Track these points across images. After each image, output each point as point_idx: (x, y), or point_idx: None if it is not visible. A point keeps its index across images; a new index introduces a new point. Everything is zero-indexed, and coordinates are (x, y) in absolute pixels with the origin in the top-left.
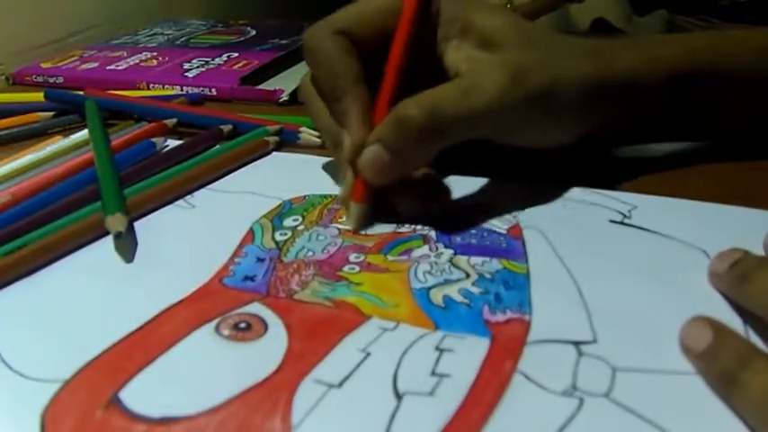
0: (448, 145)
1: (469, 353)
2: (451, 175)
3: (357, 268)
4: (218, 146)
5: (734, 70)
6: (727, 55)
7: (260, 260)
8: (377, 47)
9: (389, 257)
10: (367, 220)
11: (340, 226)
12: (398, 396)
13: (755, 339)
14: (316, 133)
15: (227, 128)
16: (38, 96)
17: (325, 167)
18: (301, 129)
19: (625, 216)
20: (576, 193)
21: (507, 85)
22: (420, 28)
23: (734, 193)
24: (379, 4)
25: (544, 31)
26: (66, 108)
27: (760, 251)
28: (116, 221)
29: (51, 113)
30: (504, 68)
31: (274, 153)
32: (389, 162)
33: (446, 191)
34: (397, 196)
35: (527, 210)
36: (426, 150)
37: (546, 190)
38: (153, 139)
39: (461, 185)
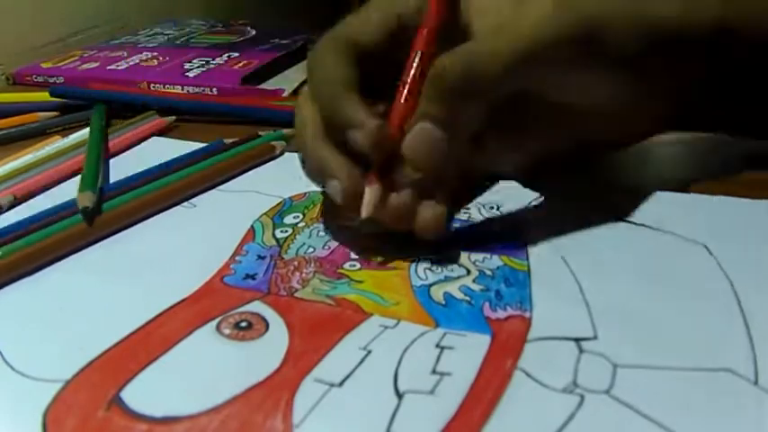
0: (496, 97)
1: (470, 350)
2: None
3: (358, 265)
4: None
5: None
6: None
7: (261, 258)
8: (381, 54)
9: (390, 256)
10: (374, 240)
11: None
12: (399, 395)
13: (756, 338)
14: None
15: (279, 144)
16: (38, 96)
17: None
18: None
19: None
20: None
21: (552, 10)
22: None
23: (733, 184)
24: (381, 11)
25: None
26: (70, 105)
27: (762, 242)
28: (85, 198)
29: (52, 113)
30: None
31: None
32: (440, 135)
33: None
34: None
35: (527, 206)
36: (473, 108)
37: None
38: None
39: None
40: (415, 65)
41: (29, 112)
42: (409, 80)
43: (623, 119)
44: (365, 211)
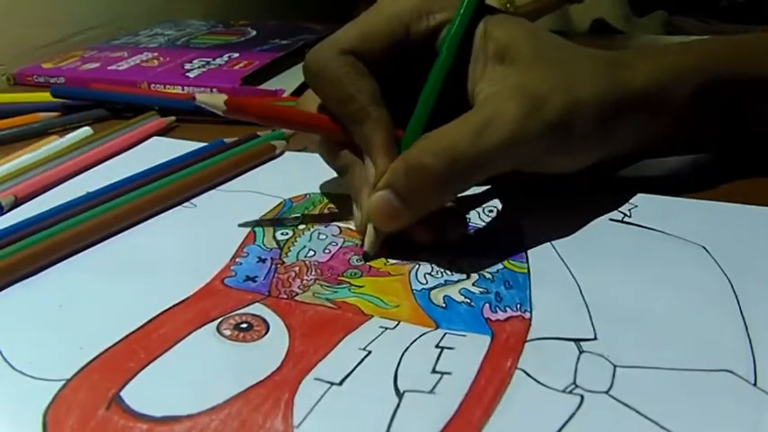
0: (467, 188)
1: (470, 350)
2: None
3: (359, 273)
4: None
5: (755, 74)
6: (745, 59)
7: (261, 260)
8: (387, 63)
9: (390, 261)
10: (381, 245)
11: (341, 224)
12: (399, 394)
13: (755, 339)
14: None
15: (280, 143)
16: (39, 96)
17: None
18: None
19: (625, 215)
20: (575, 191)
21: (521, 119)
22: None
23: (734, 191)
24: (383, 18)
25: (556, 44)
26: (71, 106)
27: (761, 248)
28: None
29: (53, 114)
30: (517, 100)
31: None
32: (401, 210)
33: (464, 221)
34: (414, 227)
35: (526, 209)
36: (442, 198)
37: (546, 189)
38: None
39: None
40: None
41: (30, 112)
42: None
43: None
44: (367, 248)
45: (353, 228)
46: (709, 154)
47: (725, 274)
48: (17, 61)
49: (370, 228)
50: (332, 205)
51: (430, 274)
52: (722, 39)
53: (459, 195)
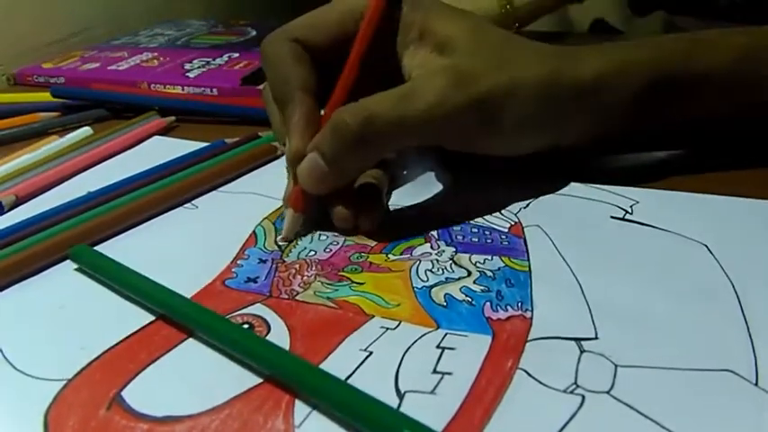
0: (386, 153)
1: (471, 351)
2: (453, 171)
3: (359, 268)
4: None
5: (707, 73)
6: (699, 57)
7: (262, 261)
8: (333, 53)
9: (391, 257)
10: (301, 228)
11: None
12: (400, 395)
13: (756, 339)
14: None
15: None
16: (39, 96)
17: None
18: None
19: (627, 212)
20: (577, 189)
21: (446, 90)
22: (382, 33)
23: (737, 185)
24: (336, 12)
25: (504, 36)
26: (71, 106)
27: (762, 244)
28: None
29: (53, 114)
30: (447, 73)
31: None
32: (326, 171)
33: (381, 206)
34: (332, 207)
35: (528, 207)
36: (362, 158)
37: (547, 186)
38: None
39: (463, 183)
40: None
41: (30, 112)
42: (343, 77)
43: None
44: (285, 233)
45: (278, 242)
46: (713, 148)
47: (725, 274)
48: (17, 61)
49: (288, 212)
50: None
51: (431, 270)
52: (680, 36)
53: (461, 193)
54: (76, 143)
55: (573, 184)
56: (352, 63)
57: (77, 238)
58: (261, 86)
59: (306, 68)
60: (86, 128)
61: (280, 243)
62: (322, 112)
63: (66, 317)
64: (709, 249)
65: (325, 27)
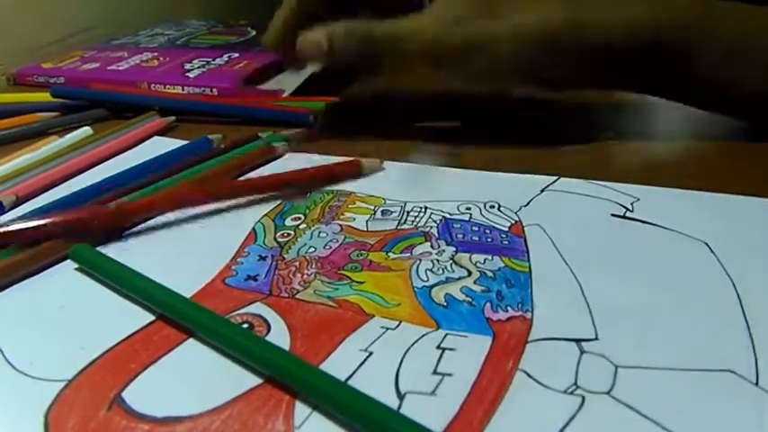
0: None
1: (471, 351)
2: (453, 168)
3: (359, 267)
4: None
5: (710, 40)
6: (706, 23)
7: (262, 258)
8: None
9: (391, 255)
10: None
11: (342, 222)
12: (400, 396)
13: (757, 339)
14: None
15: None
16: (39, 96)
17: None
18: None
19: (627, 209)
20: (578, 185)
21: (446, 29)
22: None
23: (739, 181)
24: None
25: None
26: (71, 106)
27: (764, 240)
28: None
29: (53, 114)
30: (449, 10)
31: None
32: (325, 52)
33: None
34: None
35: (529, 204)
36: (354, 59)
37: (548, 183)
38: (210, 136)
39: (464, 180)
40: None
41: (30, 112)
42: None
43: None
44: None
45: (354, 225)
46: (713, 142)
47: (726, 272)
48: (17, 61)
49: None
50: (333, 204)
51: (431, 270)
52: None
53: (461, 191)
54: (76, 143)
55: (574, 180)
56: None
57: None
58: (261, 86)
59: None
60: (86, 128)
61: (355, 226)
62: None
63: (67, 317)
64: (709, 247)
65: None
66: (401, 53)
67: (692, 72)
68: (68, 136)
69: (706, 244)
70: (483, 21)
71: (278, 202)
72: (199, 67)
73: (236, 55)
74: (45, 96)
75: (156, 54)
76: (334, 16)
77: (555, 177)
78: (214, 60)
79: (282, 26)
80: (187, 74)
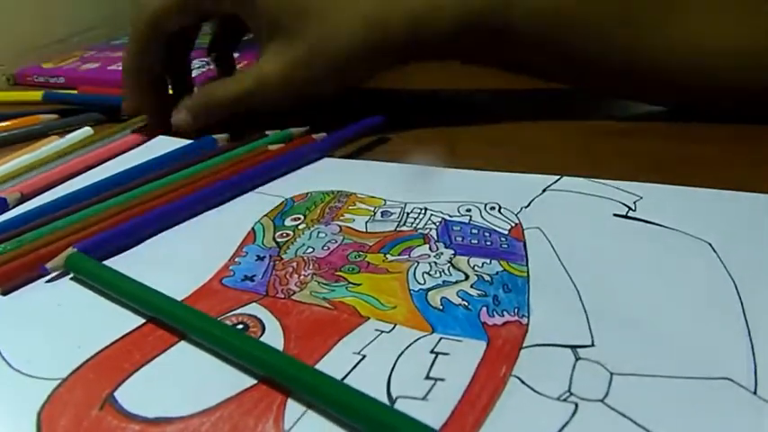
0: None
1: (465, 356)
2: (454, 169)
3: (356, 268)
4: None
5: (523, 24)
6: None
7: (260, 258)
8: (185, 25)
9: (389, 257)
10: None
11: (341, 223)
12: (392, 400)
13: (757, 347)
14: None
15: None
16: (39, 96)
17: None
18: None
19: (630, 208)
20: (579, 184)
21: (283, 77)
22: None
23: (742, 178)
24: None
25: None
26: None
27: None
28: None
29: (53, 116)
30: (282, 59)
31: None
32: (191, 123)
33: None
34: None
35: (530, 206)
36: (223, 120)
37: (549, 183)
38: (215, 136)
39: (464, 181)
40: None
41: (30, 114)
42: None
43: None
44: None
45: (354, 226)
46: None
47: (729, 274)
48: (17, 61)
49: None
50: (333, 204)
51: (428, 273)
52: None
53: (461, 192)
54: (78, 143)
55: (576, 179)
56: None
57: (77, 234)
58: None
59: (147, 54)
60: (87, 128)
61: (355, 228)
62: None
63: (64, 315)
64: (712, 248)
65: (173, 9)
66: (253, 108)
67: (506, 51)
68: (69, 136)
69: (709, 244)
70: (316, 57)
71: (279, 200)
72: (198, 68)
73: (236, 55)
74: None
75: None
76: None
77: (557, 177)
78: None
79: (133, 96)
80: None
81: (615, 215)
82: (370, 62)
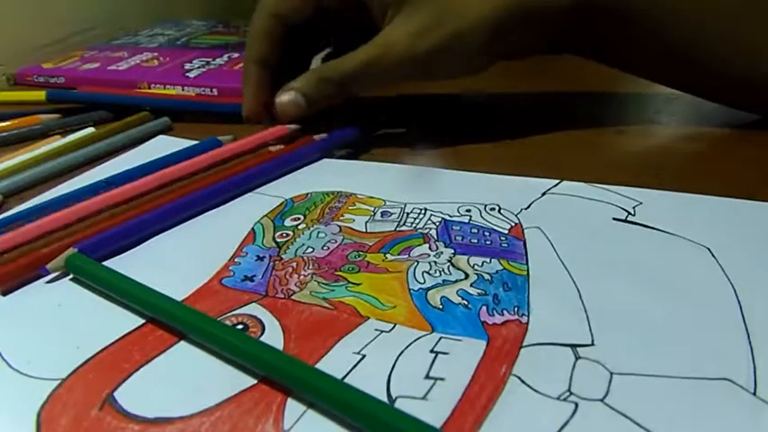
0: (357, 95)
1: (465, 356)
2: (455, 170)
3: (356, 268)
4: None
5: (643, 7)
6: None
7: (260, 258)
8: (309, 21)
9: (389, 257)
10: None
11: (341, 224)
12: (391, 400)
13: (756, 347)
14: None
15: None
16: (39, 96)
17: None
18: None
19: (629, 213)
20: (579, 188)
21: (409, 44)
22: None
23: (739, 186)
24: None
25: None
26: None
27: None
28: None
29: (54, 115)
30: (407, 27)
31: None
32: (303, 106)
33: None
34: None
35: (530, 207)
36: (337, 99)
37: (549, 186)
38: (220, 138)
39: (464, 182)
40: None
41: (31, 114)
42: None
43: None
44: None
45: (354, 227)
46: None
47: (727, 278)
48: (17, 61)
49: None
50: (333, 204)
51: (428, 272)
52: None
53: (462, 193)
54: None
55: (576, 183)
56: None
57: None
58: None
59: (268, 44)
60: (90, 128)
61: (355, 228)
62: None
63: (64, 315)
64: (711, 253)
65: (296, 3)
66: (375, 79)
67: (634, 35)
68: (71, 136)
69: (708, 249)
70: (442, 25)
71: (279, 201)
72: (199, 67)
73: (236, 55)
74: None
75: (156, 54)
76: (292, 63)
77: (557, 180)
78: (214, 60)
79: (254, 97)
80: (187, 74)
81: (614, 219)
82: (494, 39)
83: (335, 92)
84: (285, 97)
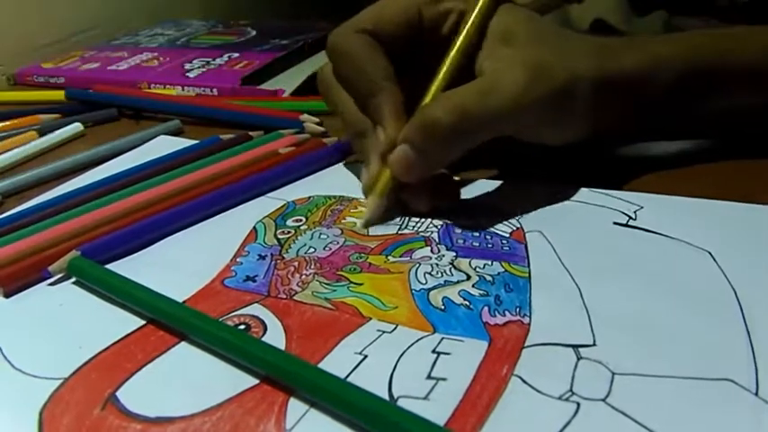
0: (474, 145)
1: (467, 356)
2: (456, 174)
3: (358, 269)
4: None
5: (737, 68)
6: (729, 52)
7: (261, 257)
8: (402, 42)
9: (391, 258)
10: (381, 215)
11: (343, 226)
12: (393, 400)
13: (757, 348)
14: (315, 119)
15: (257, 134)
16: (39, 95)
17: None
18: (302, 116)
19: (630, 218)
20: (581, 193)
21: (528, 83)
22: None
23: (739, 190)
24: (401, 2)
25: (553, 27)
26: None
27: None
28: None
29: (54, 115)
30: (524, 66)
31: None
32: (417, 161)
33: (456, 188)
34: (410, 192)
35: (531, 212)
36: (452, 150)
37: (550, 191)
38: (221, 137)
39: (465, 186)
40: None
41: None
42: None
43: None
44: (367, 217)
45: (356, 229)
46: (722, 154)
47: (728, 281)
48: (17, 61)
49: (371, 198)
50: (335, 207)
51: (430, 273)
52: (710, 31)
53: (463, 197)
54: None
55: (577, 188)
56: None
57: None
58: (261, 86)
59: (384, 59)
60: (76, 124)
61: (358, 231)
62: None
63: (66, 315)
64: (712, 256)
65: (392, 17)
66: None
67: (723, 99)
68: (58, 131)
69: (709, 253)
70: (557, 70)
71: (281, 203)
72: (199, 67)
73: (236, 55)
74: (45, 96)
75: (156, 54)
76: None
77: (559, 186)
78: (214, 60)
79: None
80: (187, 74)
81: (615, 223)
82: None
83: (445, 138)
84: (396, 156)
